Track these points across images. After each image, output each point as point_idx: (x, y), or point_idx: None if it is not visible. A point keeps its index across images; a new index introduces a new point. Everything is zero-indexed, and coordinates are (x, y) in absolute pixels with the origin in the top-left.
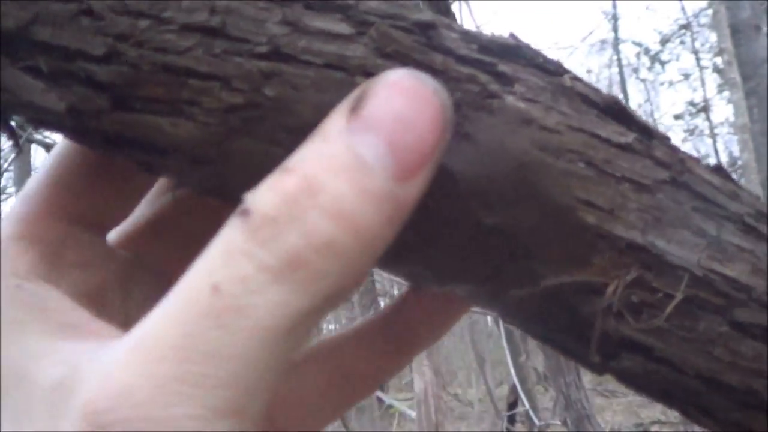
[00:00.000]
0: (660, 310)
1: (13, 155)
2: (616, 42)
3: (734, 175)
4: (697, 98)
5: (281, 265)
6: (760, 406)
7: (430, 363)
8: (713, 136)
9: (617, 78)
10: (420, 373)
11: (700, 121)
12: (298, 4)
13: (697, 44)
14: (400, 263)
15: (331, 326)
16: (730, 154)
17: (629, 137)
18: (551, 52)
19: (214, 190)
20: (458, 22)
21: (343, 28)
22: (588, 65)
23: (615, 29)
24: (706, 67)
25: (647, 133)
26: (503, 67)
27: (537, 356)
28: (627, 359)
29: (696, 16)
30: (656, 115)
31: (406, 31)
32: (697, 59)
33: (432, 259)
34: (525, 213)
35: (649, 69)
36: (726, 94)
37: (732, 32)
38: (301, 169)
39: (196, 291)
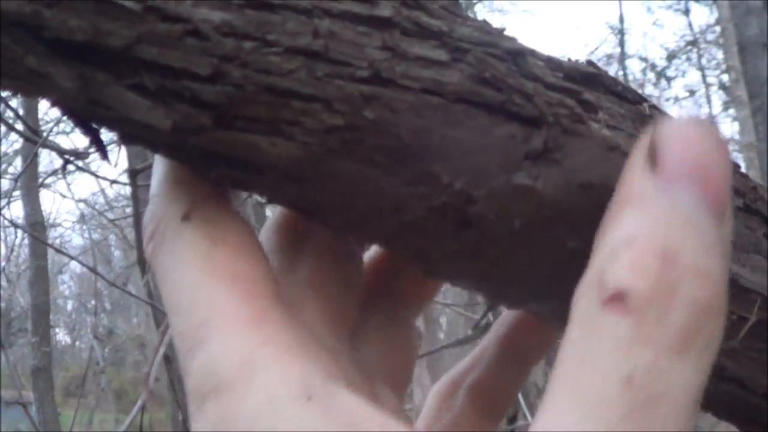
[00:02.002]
0: (734, 332)
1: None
2: (623, 57)
3: None
4: (703, 115)
5: (679, 343)
6: None
7: (431, 374)
8: None
9: None
10: (420, 383)
11: None
12: (396, 30)
13: (704, 61)
14: (487, 282)
15: None
16: None
17: None
18: None
19: (303, 208)
20: None
21: (440, 54)
22: None
23: (621, 44)
24: (712, 84)
25: None
26: (588, 95)
27: (537, 371)
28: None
29: (703, 32)
30: None
31: (499, 58)
32: (703, 76)
33: (517, 278)
34: None
35: (655, 85)
36: (732, 111)
37: (739, 49)
38: (646, 239)
39: (607, 387)
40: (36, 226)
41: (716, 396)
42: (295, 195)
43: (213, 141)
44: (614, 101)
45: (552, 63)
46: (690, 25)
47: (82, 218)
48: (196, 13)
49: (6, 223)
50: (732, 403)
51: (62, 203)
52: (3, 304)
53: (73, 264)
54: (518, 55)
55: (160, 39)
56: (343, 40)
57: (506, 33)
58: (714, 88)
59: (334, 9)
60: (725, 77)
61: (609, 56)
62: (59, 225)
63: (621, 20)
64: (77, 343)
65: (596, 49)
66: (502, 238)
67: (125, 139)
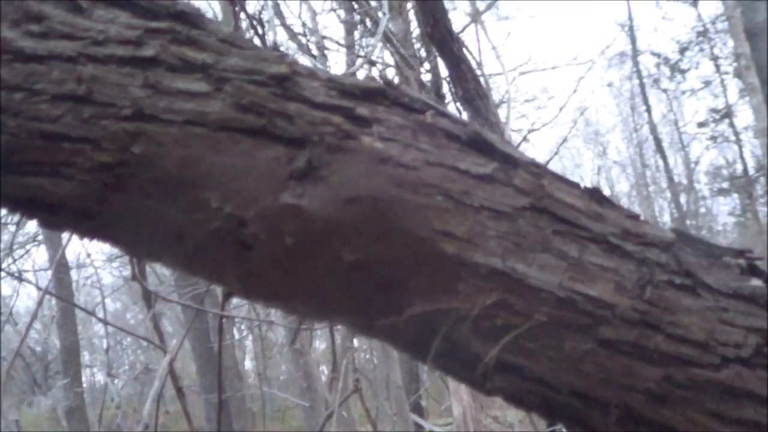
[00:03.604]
0: (528, 332)
1: None
2: (635, 54)
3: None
4: (720, 105)
5: None
6: (636, 419)
7: (468, 387)
8: (738, 141)
9: (639, 90)
10: (458, 397)
11: (724, 127)
12: (161, 67)
13: (716, 50)
14: (280, 300)
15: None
16: (758, 159)
17: (489, 167)
18: (569, 68)
19: (105, 241)
20: (464, 43)
21: (202, 86)
22: (608, 78)
23: (633, 41)
24: (727, 73)
25: (511, 161)
26: (362, 110)
27: None
28: (501, 379)
29: (713, 22)
30: (680, 124)
31: (261, 84)
32: (717, 66)
33: (305, 294)
34: (386, 247)
35: (670, 79)
36: (748, 99)
37: (747, 36)
38: None
39: None
40: (60, 268)
41: (524, 396)
42: (91, 229)
43: (4, 186)
44: (398, 112)
45: (332, 82)
46: (699, 15)
47: (109, 257)
48: None
49: (35, 267)
50: (545, 403)
51: (90, 243)
52: (39, 348)
53: (106, 303)
54: (284, 79)
55: None
56: (107, 83)
57: (283, 57)
58: (729, 77)
59: (99, 54)
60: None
61: (622, 54)
62: (89, 265)
63: (630, 17)
64: (116, 381)
65: (607, 48)
66: (279, 256)
67: None
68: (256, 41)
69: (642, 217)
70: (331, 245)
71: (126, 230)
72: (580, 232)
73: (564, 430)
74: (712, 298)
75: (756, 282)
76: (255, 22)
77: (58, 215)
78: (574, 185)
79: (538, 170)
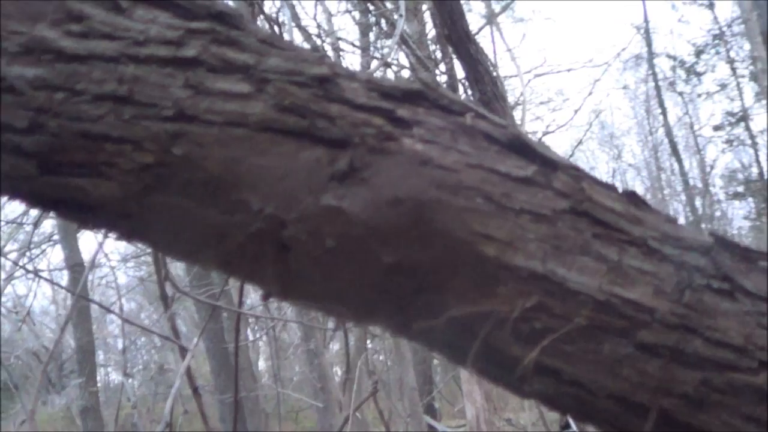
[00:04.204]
0: (566, 335)
1: None
2: (651, 56)
3: None
4: (736, 108)
5: None
6: (672, 424)
7: (481, 389)
8: (754, 145)
9: (654, 92)
10: (471, 399)
11: (740, 130)
12: (201, 68)
13: (732, 53)
14: (318, 301)
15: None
16: None
17: (529, 170)
18: (585, 71)
19: (142, 241)
20: (481, 46)
21: (243, 87)
22: (624, 81)
23: (648, 43)
24: (743, 76)
25: (550, 164)
26: (402, 112)
27: None
28: (538, 382)
29: (729, 25)
30: (696, 127)
31: (302, 85)
32: (733, 69)
33: (344, 296)
34: (425, 249)
35: (686, 81)
36: (764, 102)
37: (764, 39)
38: None
39: None
40: (75, 267)
41: (561, 399)
42: (130, 230)
43: (43, 186)
44: (437, 114)
45: (371, 83)
46: (715, 18)
47: (124, 257)
48: (10, 71)
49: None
50: (581, 406)
51: (105, 243)
52: (53, 347)
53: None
54: (325, 80)
55: None
56: (149, 83)
57: (324, 57)
58: (745, 80)
59: (140, 54)
60: (756, 68)
61: (637, 56)
62: (104, 265)
63: (645, 20)
64: (130, 380)
65: (623, 50)
66: (319, 257)
67: None
68: None
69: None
70: (371, 247)
71: (165, 231)
72: (620, 235)
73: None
74: (750, 302)
75: None
76: (273, 24)
77: (97, 215)
78: (612, 188)
79: (578, 173)
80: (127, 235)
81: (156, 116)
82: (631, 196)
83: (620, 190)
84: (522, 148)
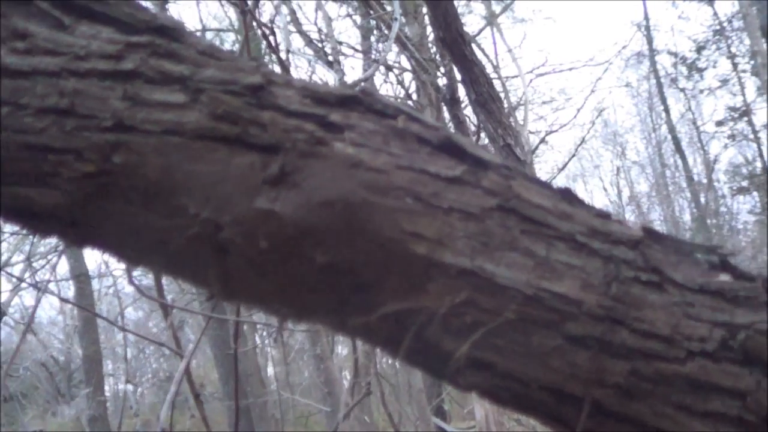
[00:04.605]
0: (497, 329)
1: None
2: (652, 53)
3: None
4: (738, 103)
5: None
6: (606, 414)
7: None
8: (757, 139)
9: (656, 89)
10: (480, 401)
11: (743, 125)
12: (139, 80)
13: (734, 48)
14: (259, 301)
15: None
16: None
17: (458, 170)
18: (586, 69)
19: (93, 247)
20: (480, 45)
21: (179, 97)
22: (626, 79)
23: (649, 41)
24: (745, 71)
25: (481, 164)
26: (335, 117)
27: None
28: (474, 375)
29: (729, 20)
30: (698, 123)
31: (236, 94)
32: (734, 64)
33: (282, 295)
34: (357, 249)
35: (688, 78)
36: (766, 96)
37: (763, 33)
38: None
39: None
40: (81, 278)
41: (496, 391)
42: (79, 237)
43: None
44: (371, 118)
45: (307, 90)
46: (715, 13)
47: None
48: None
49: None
50: (517, 398)
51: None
52: (62, 358)
53: (128, 312)
54: (259, 88)
55: None
56: (89, 96)
57: (259, 67)
58: (747, 75)
59: (81, 68)
60: (757, 62)
61: (639, 54)
62: (110, 275)
63: (646, 17)
64: (139, 389)
65: (624, 48)
66: (255, 259)
67: None
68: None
69: (613, 216)
70: (304, 248)
71: (111, 236)
72: (548, 231)
73: None
74: (678, 293)
75: (724, 277)
76: (266, 30)
77: (47, 223)
78: (546, 186)
79: (509, 172)
80: (77, 241)
81: (96, 127)
82: (564, 193)
83: (555, 187)
84: (453, 149)
